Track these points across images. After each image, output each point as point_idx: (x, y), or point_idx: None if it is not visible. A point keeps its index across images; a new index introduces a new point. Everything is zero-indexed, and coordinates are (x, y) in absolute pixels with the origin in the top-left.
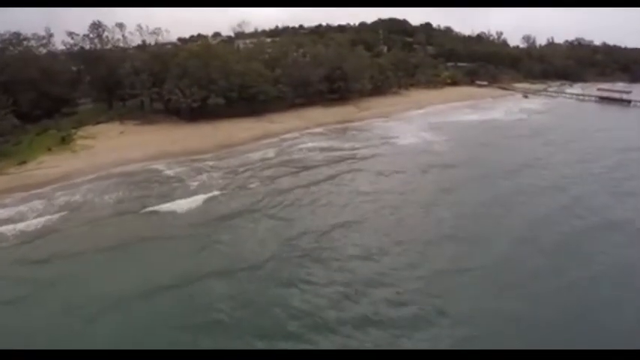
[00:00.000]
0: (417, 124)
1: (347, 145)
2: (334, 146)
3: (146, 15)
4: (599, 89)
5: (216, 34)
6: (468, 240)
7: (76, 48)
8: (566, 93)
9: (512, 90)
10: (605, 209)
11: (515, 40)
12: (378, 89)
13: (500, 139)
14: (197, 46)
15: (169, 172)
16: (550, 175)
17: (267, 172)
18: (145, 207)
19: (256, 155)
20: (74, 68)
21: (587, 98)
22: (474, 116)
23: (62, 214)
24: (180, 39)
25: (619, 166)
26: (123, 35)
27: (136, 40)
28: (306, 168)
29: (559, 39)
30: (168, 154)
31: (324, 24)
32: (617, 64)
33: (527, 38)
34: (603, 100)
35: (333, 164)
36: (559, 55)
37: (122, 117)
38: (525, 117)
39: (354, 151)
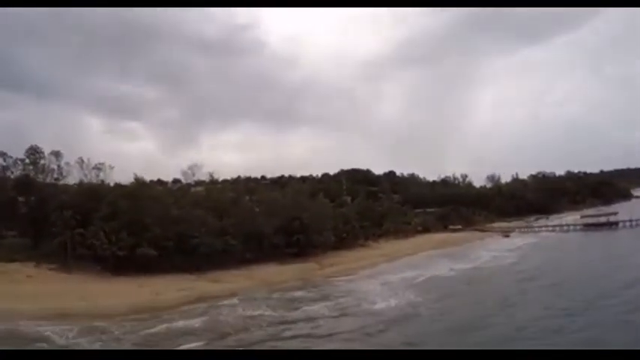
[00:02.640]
0: (387, 281)
1: (297, 312)
2: (284, 315)
3: (117, 153)
4: (583, 217)
5: (176, 181)
6: None
7: (8, 172)
8: (548, 226)
9: (489, 231)
10: None
11: (479, 181)
12: (344, 242)
13: (484, 290)
14: (130, 184)
15: (58, 339)
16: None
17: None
18: None
19: (177, 325)
20: (4, 195)
21: (571, 228)
22: (453, 266)
23: None
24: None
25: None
26: (58, 165)
27: (75, 174)
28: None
29: (521, 174)
30: (69, 313)
31: (286, 175)
32: (587, 188)
33: (491, 177)
34: (589, 227)
35: (275, 339)
36: (530, 189)
37: (40, 258)
38: (512, 259)
39: (304, 319)
